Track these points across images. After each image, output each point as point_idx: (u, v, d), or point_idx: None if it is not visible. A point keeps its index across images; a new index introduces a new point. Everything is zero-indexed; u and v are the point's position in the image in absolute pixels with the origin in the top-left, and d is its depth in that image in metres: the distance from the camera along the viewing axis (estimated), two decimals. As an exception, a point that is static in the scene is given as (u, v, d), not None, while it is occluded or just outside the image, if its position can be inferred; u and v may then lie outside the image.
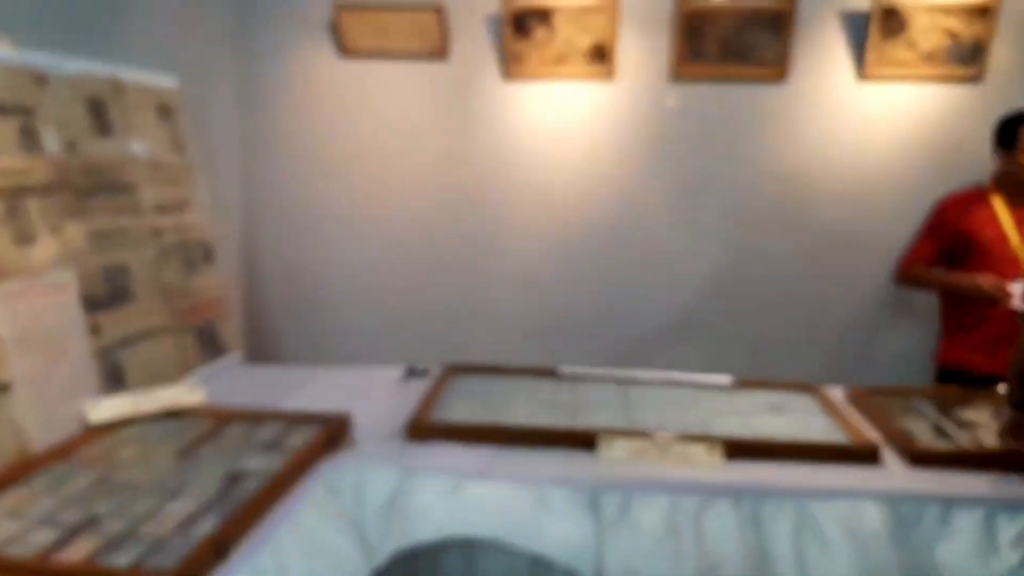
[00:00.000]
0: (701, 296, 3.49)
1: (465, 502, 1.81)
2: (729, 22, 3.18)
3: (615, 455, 1.93)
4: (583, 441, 1.98)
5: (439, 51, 3.46)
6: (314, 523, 1.67)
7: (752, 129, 3.35)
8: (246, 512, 1.54)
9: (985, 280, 2.66)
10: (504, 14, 3.33)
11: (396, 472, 1.86)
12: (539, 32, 3.35)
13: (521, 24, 3.34)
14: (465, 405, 2.26)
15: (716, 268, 3.46)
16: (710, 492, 1.82)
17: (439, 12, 3.36)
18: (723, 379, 2.52)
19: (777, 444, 1.97)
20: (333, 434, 1.96)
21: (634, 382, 2.51)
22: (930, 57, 3.13)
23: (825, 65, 3.26)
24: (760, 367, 3.08)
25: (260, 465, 1.79)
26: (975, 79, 3.15)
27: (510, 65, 3.42)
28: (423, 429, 2.05)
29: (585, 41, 3.31)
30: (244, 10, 3.50)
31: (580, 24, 3.29)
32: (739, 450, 1.94)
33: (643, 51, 3.33)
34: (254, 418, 2.10)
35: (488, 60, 3.47)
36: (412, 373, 2.59)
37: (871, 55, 3.15)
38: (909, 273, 2.90)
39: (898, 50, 3.14)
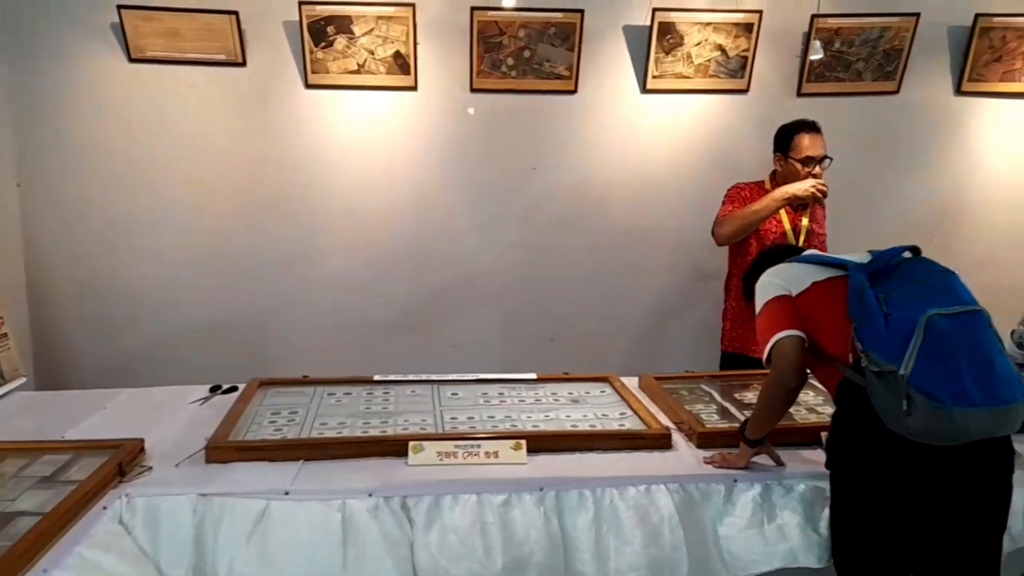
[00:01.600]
0: (505, 296, 3.61)
1: (269, 525, 1.76)
2: (522, 36, 3.31)
3: (425, 460, 1.95)
4: (393, 449, 1.99)
5: (235, 57, 3.33)
6: (99, 562, 1.55)
7: (548, 137, 3.50)
8: (16, 558, 1.40)
9: (790, 187, 2.85)
10: (302, 21, 3.26)
11: (193, 499, 1.77)
12: (339, 40, 3.31)
13: (320, 32, 3.29)
14: (272, 421, 2.19)
15: (518, 268, 3.59)
16: (516, 487, 1.88)
17: (233, 16, 3.24)
18: (528, 375, 2.61)
19: (577, 437, 2.08)
20: (124, 462, 1.83)
21: (447, 383, 2.55)
22: (704, 70, 3.42)
23: (612, 77, 3.47)
24: (563, 360, 3.22)
25: (35, 503, 1.64)
26: (743, 91, 3.48)
27: (311, 73, 3.35)
28: (223, 450, 1.96)
29: (385, 50, 3.32)
30: (11, 17, 3.20)
31: (379, 33, 3.29)
32: (542, 445, 2.02)
33: (443, 62, 3.39)
34: (33, 451, 1.92)
35: (288, 67, 3.39)
36: (218, 391, 2.47)
37: (653, 69, 3.40)
38: (723, 224, 2.97)
39: (676, 64, 3.40)
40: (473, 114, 3.44)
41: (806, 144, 2.85)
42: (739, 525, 1.92)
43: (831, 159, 2.84)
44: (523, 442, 1.98)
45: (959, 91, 3.63)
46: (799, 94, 3.52)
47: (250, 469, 1.91)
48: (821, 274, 1.87)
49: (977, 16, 3.47)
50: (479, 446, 1.97)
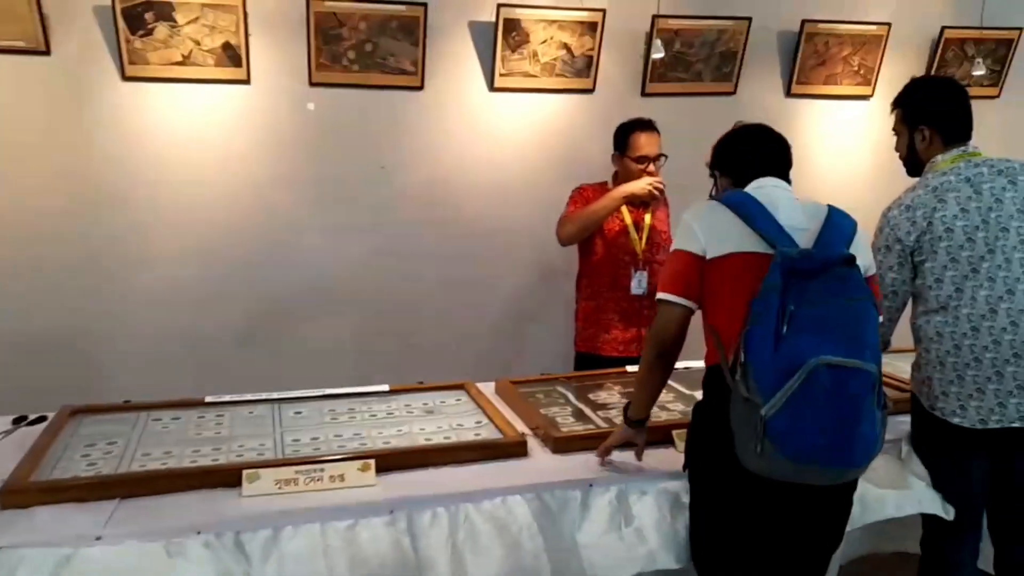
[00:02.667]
0: (356, 303, 3.44)
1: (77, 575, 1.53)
2: (363, 28, 3.15)
3: (261, 490, 1.77)
4: (225, 479, 1.80)
5: (37, 44, 2.97)
6: None
7: (395, 135, 3.37)
8: None
9: (627, 186, 2.87)
10: (115, 6, 2.95)
11: (-19, 554, 1.51)
12: (160, 29, 3.02)
13: (137, 19, 2.99)
14: (85, 455, 1.93)
15: (369, 273, 3.43)
16: (364, 512, 1.74)
17: (31, -2, 2.88)
18: (381, 387, 2.47)
19: (430, 451, 1.97)
20: None
21: (289, 402, 2.36)
22: (549, 69, 3.40)
23: (459, 74, 3.38)
24: (419, 369, 3.10)
25: None
26: (589, 90, 3.49)
27: (128, 64, 3.05)
28: (22, 494, 1.70)
29: (213, 41, 3.06)
30: None
31: (206, 22, 3.03)
32: (392, 463, 1.90)
33: (278, 54, 3.18)
34: None
35: (101, 57, 3.06)
36: (22, 422, 2.17)
37: (500, 67, 3.34)
38: (566, 221, 2.96)
39: (523, 62, 3.36)
40: (314, 109, 3.25)
41: (641, 143, 2.89)
42: (597, 531, 1.88)
43: (666, 157, 2.89)
44: (371, 462, 1.85)
45: (789, 93, 3.82)
46: (643, 94, 3.58)
47: (55, 513, 1.66)
48: (747, 243, 1.69)
49: (804, 22, 3.65)
50: (323, 470, 1.82)
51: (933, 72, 3.92)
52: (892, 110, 2.20)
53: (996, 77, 4.02)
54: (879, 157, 4.03)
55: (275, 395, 2.38)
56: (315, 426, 2.17)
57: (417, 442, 2.05)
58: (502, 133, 3.48)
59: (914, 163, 2.17)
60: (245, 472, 1.78)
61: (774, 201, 1.75)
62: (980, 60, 3.94)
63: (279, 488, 1.77)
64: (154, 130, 3.14)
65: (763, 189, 1.80)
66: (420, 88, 3.32)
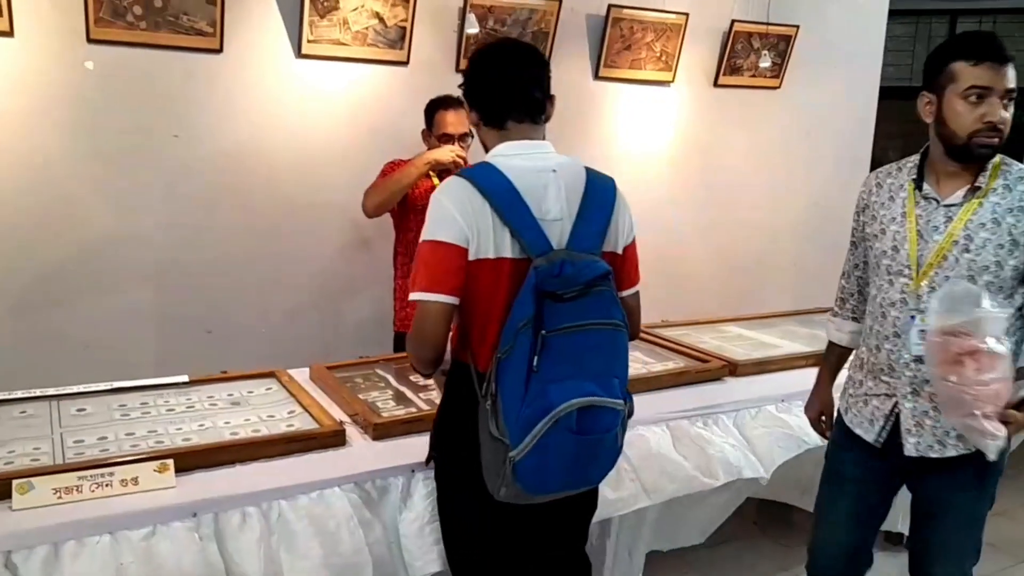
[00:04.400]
0: (150, 285, 3.10)
1: None
2: (151, -20, 2.84)
3: (36, 501, 1.55)
4: (-10, 491, 1.55)
5: None
6: None
7: (191, 101, 3.07)
8: None
9: (432, 152, 2.79)
10: None
11: None
12: None
13: None
14: None
15: (164, 253, 3.11)
16: (162, 518, 1.58)
17: None
18: (179, 377, 2.26)
19: (237, 447, 1.82)
20: None
21: (70, 397, 2.10)
22: (361, 38, 3.25)
23: (263, 39, 3.13)
24: (220, 357, 2.87)
25: None
26: (403, 63, 3.38)
27: None
28: None
29: (-36, -17, 2.63)
30: None
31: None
32: (195, 462, 1.73)
33: (48, 5, 2.78)
34: None
35: None
36: None
37: (308, 32, 3.14)
38: (371, 191, 2.85)
39: (333, 29, 3.19)
40: (92, 68, 2.88)
41: (447, 120, 2.86)
42: (420, 520, 1.83)
43: (472, 136, 2.86)
44: (170, 462, 1.68)
45: (597, 76, 3.92)
46: (458, 70, 3.52)
47: None
48: (504, 246, 1.54)
49: (610, 7, 3.75)
50: (112, 474, 1.62)
51: (724, 62, 4.19)
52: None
53: (778, 69, 4.37)
54: (678, 141, 4.28)
55: (51, 391, 2.10)
56: (102, 424, 1.94)
57: (222, 437, 1.89)
58: (310, 103, 3.28)
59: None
60: (15, 482, 1.55)
61: (529, 182, 1.57)
62: (765, 53, 4.26)
63: (58, 498, 1.56)
64: None
65: (520, 159, 1.61)
66: (219, 51, 3.04)
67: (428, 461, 1.80)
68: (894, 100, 5.49)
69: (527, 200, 1.56)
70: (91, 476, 1.60)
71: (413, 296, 1.56)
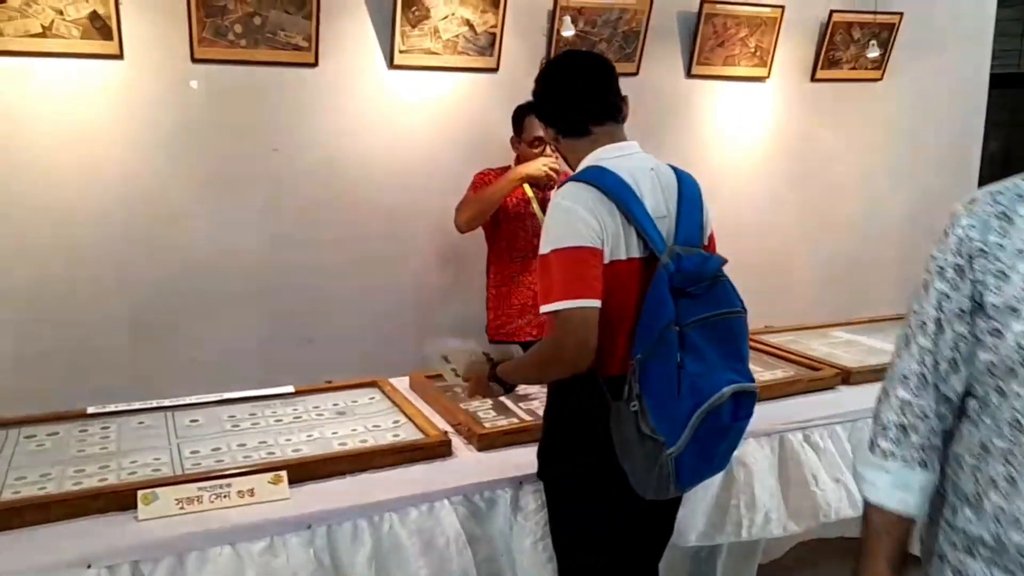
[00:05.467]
0: (253, 297, 3.18)
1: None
2: (249, 0, 2.91)
3: (160, 511, 1.58)
4: (117, 502, 1.60)
5: None
6: None
7: (289, 115, 3.13)
8: None
9: (523, 167, 2.78)
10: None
11: None
12: (13, -5, 2.68)
13: (-14, -17, 2.64)
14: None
15: (266, 264, 3.18)
16: (279, 529, 1.59)
17: None
18: (285, 388, 2.30)
19: (346, 458, 1.82)
20: None
21: (183, 408, 2.15)
22: (452, 46, 3.26)
23: (356, 51, 3.18)
24: (322, 366, 2.91)
25: None
26: (493, 69, 3.37)
27: (-23, 34, 2.69)
28: None
29: (79, 10, 2.75)
30: None
31: (68, -12, 2.71)
32: (306, 473, 1.74)
33: (155, 27, 2.88)
34: None
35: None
36: None
37: (400, 43, 3.17)
38: (464, 206, 2.88)
39: (424, 39, 3.20)
40: (197, 88, 2.98)
41: (535, 124, 2.81)
42: (532, 535, 1.79)
43: None
44: (283, 473, 1.69)
45: (689, 74, 3.82)
46: (547, 74, 3.49)
47: (-92, 556, 1.43)
48: (632, 246, 1.55)
49: (703, 3, 3.66)
50: (229, 485, 1.64)
51: (822, 55, 4.02)
52: None
53: (880, 60, 4.17)
54: (774, 138, 4.13)
55: (166, 402, 2.16)
56: (215, 435, 1.98)
57: (331, 448, 1.90)
58: (403, 113, 3.31)
59: None
60: (140, 492, 1.59)
61: (637, 181, 1.59)
62: (872, 42, 4.06)
63: (181, 508, 1.59)
64: (6, 113, 2.79)
65: (621, 161, 1.61)
66: (314, 65, 3.10)
67: (540, 475, 1.77)
68: (1001, 88, 5.19)
69: (640, 197, 1.59)
70: (210, 487, 1.63)
71: (553, 307, 1.51)
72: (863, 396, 2.38)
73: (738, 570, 2.23)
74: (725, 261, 1.61)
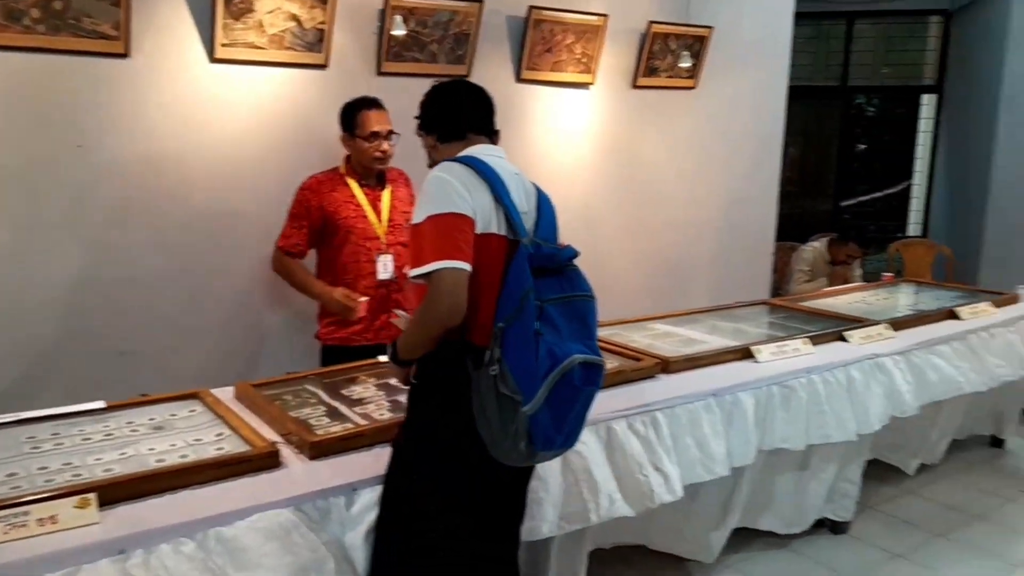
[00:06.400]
0: (56, 307, 2.90)
1: None
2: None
3: (-58, 548, 1.42)
4: None
5: None
6: None
7: (95, 109, 2.88)
8: None
9: (337, 292, 2.80)
10: None
11: None
12: None
13: None
14: None
15: (70, 272, 2.91)
16: (88, 556, 1.47)
17: None
18: (94, 404, 2.13)
19: (164, 475, 1.71)
20: None
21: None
22: (278, 41, 3.14)
23: (174, 42, 2.98)
24: (138, 380, 2.72)
25: None
26: (322, 66, 3.29)
27: None
28: None
29: None
30: None
31: None
32: (120, 494, 1.62)
33: (-68, 5, 2.57)
34: None
35: None
36: None
37: (221, 36, 3.01)
38: (280, 265, 2.93)
39: (248, 32, 3.07)
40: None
41: (371, 119, 2.83)
42: (366, 538, 1.77)
43: (398, 134, 2.85)
44: (91, 496, 1.57)
45: (519, 78, 3.91)
46: (379, 72, 3.45)
47: None
48: (501, 224, 1.72)
49: (531, 8, 3.75)
50: (27, 513, 1.50)
51: (642, 64, 4.24)
52: None
53: (694, 70, 4.46)
54: (598, 143, 4.31)
55: (-50, 426, 1.94)
56: (11, 460, 1.80)
57: (147, 465, 1.79)
58: (227, 109, 3.14)
59: None
60: (-84, 530, 1.41)
61: (505, 177, 1.77)
62: (684, 53, 4.34)
63: (-33, 543, 1.43)
64: None
65: (492, 159, 1.79)
66: (125, 55, 2.89)
67: (395, 447, 1.82)
68: (799, 100, 5.71)
69: (509, 190, 1.75)
70: (4, 517, 1.48)
71: (426, 268, 1.63)
72: (680, 383, 2.57)
73: (571, 557, 2.30)
74: (578, 253, 1.78)
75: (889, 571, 2.86)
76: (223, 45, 3.05)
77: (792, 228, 5.97)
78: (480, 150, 1.82)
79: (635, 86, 4.31)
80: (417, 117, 1.92)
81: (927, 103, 7.01)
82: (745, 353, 2.85)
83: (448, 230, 1.64)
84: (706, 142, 4.70)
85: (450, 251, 1.62)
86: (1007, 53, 5.71)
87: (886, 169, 7.62)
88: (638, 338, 3.05)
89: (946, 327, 3.41)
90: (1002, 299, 3.90)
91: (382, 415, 2.14)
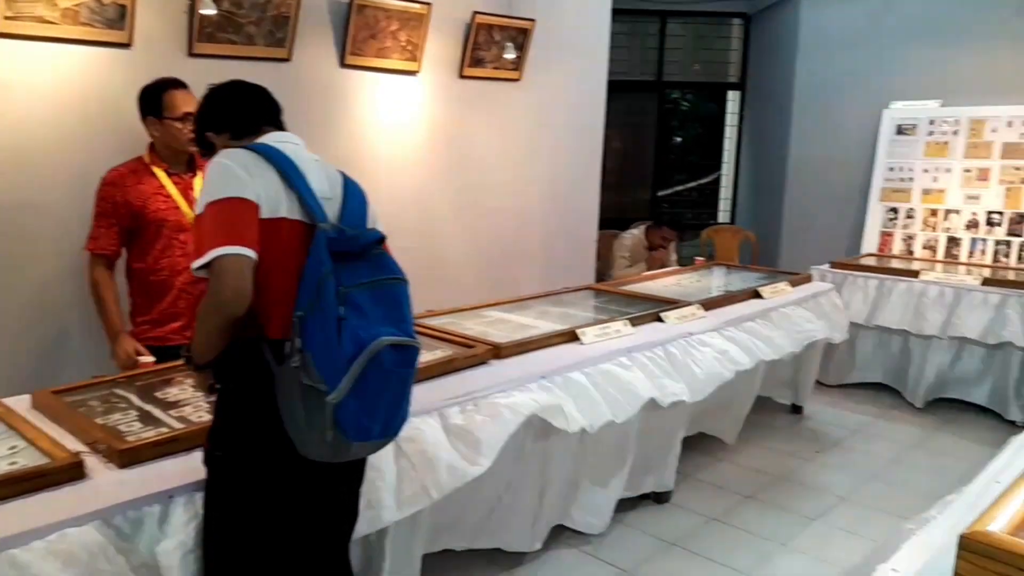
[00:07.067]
0: None
1: None
2: None
3: None
4: None
5: None
6: None
7: None
8: None
9: (128, 345, 2.64)
10: None
11: None
12: None
13: None
14: None
15: None
16: None
17: None
18: None
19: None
20: None
21: None
22: (72, 16, 2.87)
23: (-57, 11, 2.66)
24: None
25: None
26: (125, 44, 3.04)
27: None
28: None
29: None
30: None
31: None
32: None
33: None
34: None
35: None
36: None
37: (2, 8, 2.70)
38: (91, 278, 2.70)
39: (36, 6, 2.78)
40: None
41: (178, 100, 2.68)
42: (183, 548, 1.67)
43: None
44: None
45: (343, 64, 3.82)
46: (191, 53, 3.24)
47: None
48: (293, 209, 1.63)
49: (353, -7, 3.67)
50: None
51: (467, 54, 4.27)
52: None
53: (518, 62, 4.55)
54: (427, 131, 4.30)
55: None
56: None
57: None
58: (16, 90, 2.83)
59: None
60: None
61: (301, 162, 1.69)
62: (508, 44, 4.41)
63: None
64: None
65: (285, 145, 1.72)
66: None
67: (207, 460, 1.68)
68: (619, 93, 5.99)
69: (305, 176, 1.67)
70: None
71: (205, 257, 1.52)
72: (511, 368, 2.62)
73: (407, 547, 2.29)
74: (384, 236, 1.70)
75: (708, 533, 3.08)
76: (6, 18, 2.75)
77: (615, 217, 6.26)
78: (271, 137, 1.75)
79: (462, 76, 4.33)
80: (200, 123, 1.82)
81: (732, 99, 7.58)
82: (571, 336, 2.96)
83: (228, 216, 1.55)
84: (532, 132, 4.82)
85: (230, 237, 1.53)
86: (798, 54, 6.27)
87: (700, 161, 8.18)
88: (472, 325, 3.09)
89: (750, 305, 3.72)
90: (797, 279, 4.30)
91: (200, 417, 2.03)
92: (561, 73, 4.85)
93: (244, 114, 1.79)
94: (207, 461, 1.68)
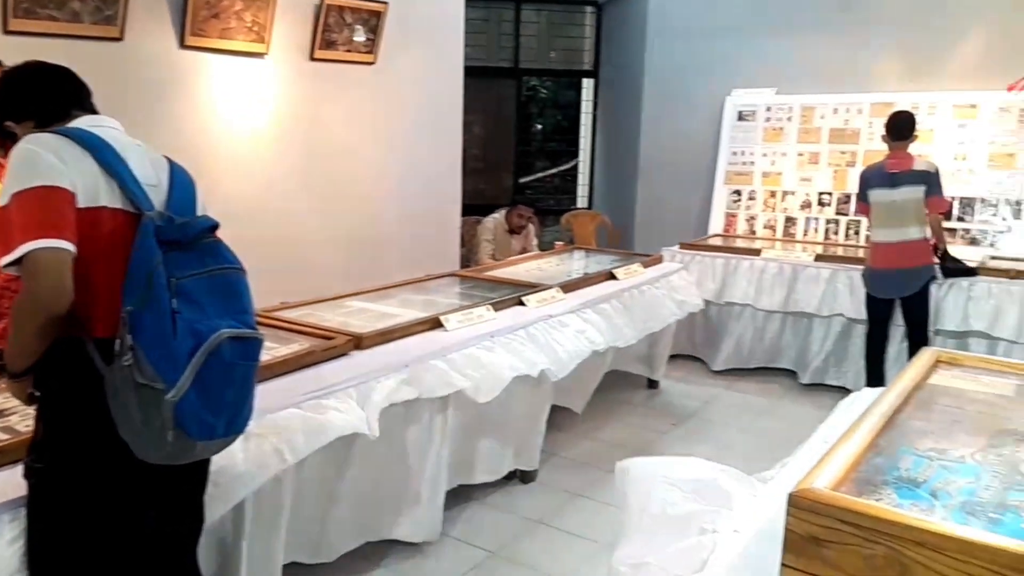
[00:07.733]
0: None
1: None
2: None
3: None
4: None
5: None
6: None
7: None
8: None
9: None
10: None
11: None
12: None
13: None
14: None
15: None
16: None
17: None
18: None
19: None
20: None
21: None
22: None
23: None
24: None
25: None
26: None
27: None
28: None
29: None
30: None
31: None
32: None
33: None
34: None
35: None
36: None
37: None
38: None
39: None
40: None
41: None
42: (8, 569, 1.54)
43: None
44: None
45: (183, 45, 3.61)
46: (6, 31, 2.96)
47: None
48: (114, 198, 1.51)
49: (190, -30, 3.46)
50: None
51: (318, 36, 4.14)
52: None
53: (372, 45, 4.45)
54: (278, 116, 4.14)
55: None
56: None
57: None
58: None
59: None
60: None
61: (121, 147, 1.58)
62: (359, 27, 4.31)
63: None
64: None
65: (102, 129, 1.60)
66: None
67: (27, 474, 1.54)
68: (476, 78, 6.00)
69: (127, 162, 1.56)
70: None
71: (15, 254, 1.39)
72: (373, 359, 2.58)
73: (265, 542, 2.20)
74: (217, 224, 1.61)
75: (574, 509, 3.16)
76: None
77: (479, 204, 6.29)
78: (84, 121, 1.61)
79: (313, 58, 4.20)
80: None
81: (587, 87, 7.76)
82: (435, 323, 2.95)
83: (39, 206, 1.42)
84: (389, 117, 4.74)
85: (44, 229, 1.40)
86: (647, 42, 6.50)
87: (560, 147, 8.34)
88: (332, 316, 3.01)
89: (606, 287, 3.83)
90: (649, 260, 4.48)
91: (28, 426, 1.86)
92: (417, 57, 4.80)
93: (48, 99, 1.63)
94: (28, 475, 1.55)
